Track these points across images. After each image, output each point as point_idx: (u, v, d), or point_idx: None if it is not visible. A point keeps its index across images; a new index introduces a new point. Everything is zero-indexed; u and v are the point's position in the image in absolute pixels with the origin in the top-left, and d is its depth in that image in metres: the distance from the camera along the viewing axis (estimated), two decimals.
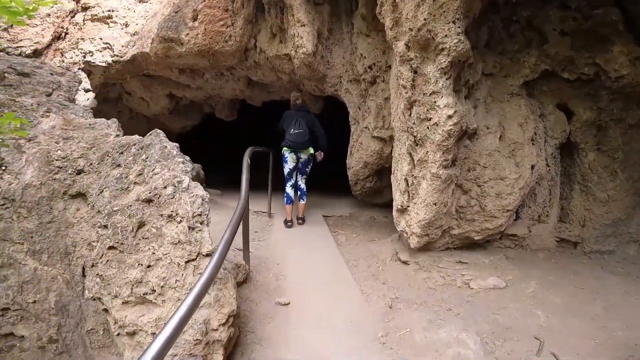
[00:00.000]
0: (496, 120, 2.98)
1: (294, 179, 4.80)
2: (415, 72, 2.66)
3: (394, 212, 3.44)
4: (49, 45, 6.16)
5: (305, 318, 2.94)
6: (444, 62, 2.50)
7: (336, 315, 2.99)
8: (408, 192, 3.06)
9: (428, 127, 2.67)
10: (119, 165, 2.70)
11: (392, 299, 3.35)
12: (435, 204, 2.88)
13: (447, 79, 2.56)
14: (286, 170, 4.78)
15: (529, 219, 3.54)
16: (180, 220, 2.22)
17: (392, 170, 3.49)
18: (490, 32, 3.01)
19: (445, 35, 2.45)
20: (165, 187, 2.31)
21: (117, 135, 3.17)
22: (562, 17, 2.85)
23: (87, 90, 5.97)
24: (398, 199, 3.20)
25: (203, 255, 2.25)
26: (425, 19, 2.43)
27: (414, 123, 2.75)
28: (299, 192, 4.77)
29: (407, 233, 3.35)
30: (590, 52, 2.87)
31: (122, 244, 2.31)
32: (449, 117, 2.53)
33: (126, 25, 6.03)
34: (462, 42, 2.45)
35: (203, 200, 2.32)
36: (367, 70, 4.66)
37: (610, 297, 3.30)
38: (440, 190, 2.82)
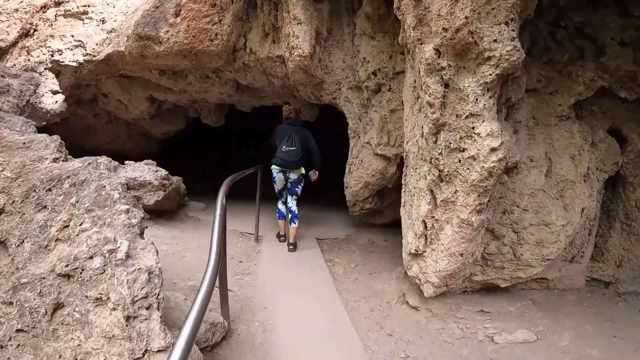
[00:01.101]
0: (542, 151, 2.28)
1: (285, 197, 4.35)
2: (447, 86, 1.94)
3: (404, 254, 2.73)
4: (14, 43, 5.28)
5: None
6: (490, 75, 1.79)
7: None
8: (425, 235, 2.34)
9: (460, 161, 1.96)
10: (45, 207, 1.92)
11: (403, 358, 2.66)
12: (461, 254, 2.17)
13: (490, 98, 1.85)
14: (276, 189, 4.35)
15: (562, 260, 2.86)
16: (114, 308, 1.46)
17: (403, 202, 2.76)
18: (532, 38, 2.31)
19: (495, 40, 1.74)
20: (91, 258, 1.53)
21: (56, 160, 2.35)
22: (623, 25, 2.15)
23: (55, 92, 5.11)
24: (411, 241, 2.48)
25: (154, 351, 1.49)
26: (466, 17, 1.71)
27: (440, 153, 2.02)
28: (289, 215, 4.20)
29: (420, 280, 2.64)
30: None
31: (33, 327, 1.54)
32: (493, 150, 1.82)
33: (103, 21, 5.18)
34: (518, 50, 1.74)
35: (151, 274, 1.56)
36: (370, 77, 3.92)
37: None
38: (469, 240, 2.11)
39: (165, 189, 4.49)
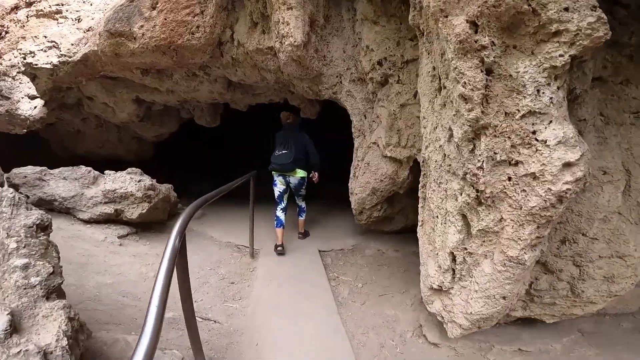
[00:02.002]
0: (618, 160, 1.62)
1: (285, 202, 4.13)
2: (490, 73, 1.31)
3: (423, 286, 2.13)
4: None
5: None
6: (560, 57, 1.16)
7: None
8: (453, 270, 1.74)
9: (511, 179, 1.33)
10: None
11: None
12: (504, 297, 1.56)
13: (558, 89, 1.22)
14: (276, 194, 4.11)
15: None
16: None
17: (421, 221, 2.15)
18: None
19: (565, 9, 1.11)
20: None
21: None
22: None
23: (32, 97, 4.57)
24: (434, 274, 1.87)
25: None
26: None
27: (480, 167, 1.40)
28: (298, 209, 4.33)
29: (443, 317, 2.04)
30: None
31: None
32: (567, 165, 1.19)
33: (79, 20, 4.60)
34: (604, 22, 1.11)
35: (48, 356, 0.98)
36: (375, 67, 3.28)
37: None
38: (516, 280, 1.50)
39: (150, 200, 3.94)
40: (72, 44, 4.39)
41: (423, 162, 2.07)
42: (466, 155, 1.44)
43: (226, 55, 3.94)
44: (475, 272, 1.62)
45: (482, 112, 1.32)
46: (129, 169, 4.06)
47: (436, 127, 1.74)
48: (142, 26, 3.56)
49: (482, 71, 1.30)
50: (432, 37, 1.82)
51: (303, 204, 4.23)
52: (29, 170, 3.64)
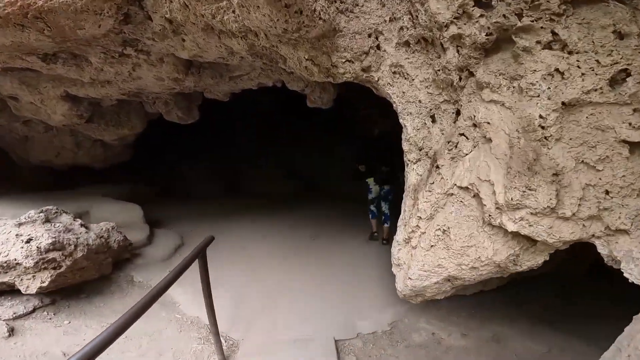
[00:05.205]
0: None
1: (376, 203, 3.86)
2: None
3: None
4: None
5: None
6: None
7: None
8: None
9: None
10: None
11: None
12: None
13: None
14: (370, 197, 3.86)
15: None
16: None
17: None
18: None
19: None
20: None
21: None
22: None
23: None
24: None
25: None
26: None
27: None
28: (383, 217, 3.79)
29: None
30: None
31: None
32: None
33: None
34: None
35: None
36: (469, 13, 1.18)
37: None
38: None
39: (56, 265, 2.14)
40: None
41: None
42: None
43: (155, 15, 1.89)
44: None
45: None
46: (26, 216, 2.22)
47: None
48: None
49: None
50: None
51: (388, 212, 3.78)
52: None
